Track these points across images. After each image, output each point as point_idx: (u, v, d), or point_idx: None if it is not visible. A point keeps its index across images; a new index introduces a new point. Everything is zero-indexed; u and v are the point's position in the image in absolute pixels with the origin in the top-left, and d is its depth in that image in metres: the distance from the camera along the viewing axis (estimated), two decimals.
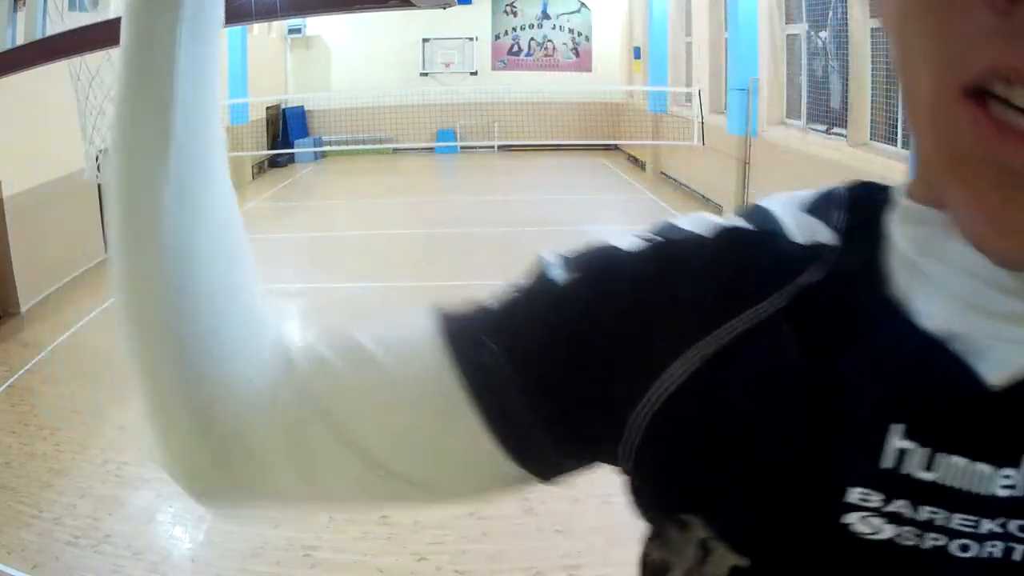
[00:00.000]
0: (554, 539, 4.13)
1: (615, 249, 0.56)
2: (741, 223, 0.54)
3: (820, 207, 0.54)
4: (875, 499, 0.45)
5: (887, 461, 0.45)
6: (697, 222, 0.55)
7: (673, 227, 0.56)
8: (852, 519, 0.45)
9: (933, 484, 0.44)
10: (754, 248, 0.52)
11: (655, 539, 0.55)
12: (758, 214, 0.55)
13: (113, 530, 4.21)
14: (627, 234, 0.57)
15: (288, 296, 9.03)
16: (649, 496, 0.54)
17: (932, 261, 0.48)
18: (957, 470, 0.44)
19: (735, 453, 0.49)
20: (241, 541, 4.13)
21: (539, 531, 4.20)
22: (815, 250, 0.51)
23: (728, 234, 0.53)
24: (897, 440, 0.45)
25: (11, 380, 6.29)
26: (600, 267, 0.56)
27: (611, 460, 0.56)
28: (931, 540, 0.44)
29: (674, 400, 0.50)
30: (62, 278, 9.00)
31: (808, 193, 0.56)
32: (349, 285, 9.19)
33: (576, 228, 12.11)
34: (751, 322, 0.49)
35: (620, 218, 13.14)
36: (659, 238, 0.55)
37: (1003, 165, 0.41)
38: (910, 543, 0.44)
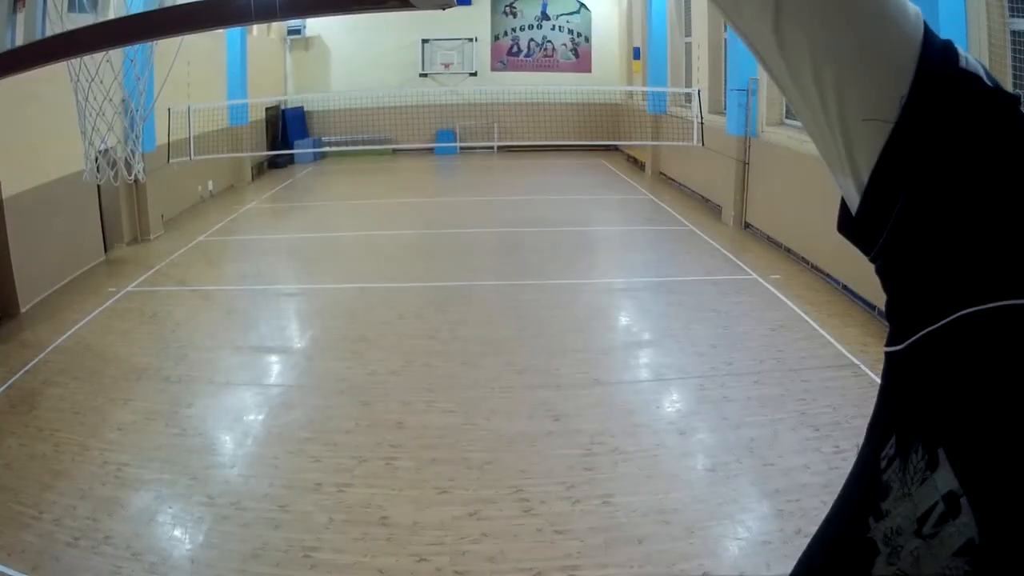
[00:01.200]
0: (553, 540, 4.12)
1: None
2: None
3: None
4: None
5: None
6: None
7: None
8: None
9: None
10: None
11: (895, 456, 0.54)
12: None
13: (113, 531, 4.21)
14: None
15: (288, 296, 9.03)
16: (918, 398, 0.53)
17: None
18: None
19: (1015, 419, 0.47)
20: (241, 542, 4.13)
21: (538, 532, 4.19)
22: None
23: None
24: None
25: (11, 381, 6.28)
26: None
27: (896, 297, 0.56)
28: None
29: (995, 319, 0.49)
30: (62, 279, 9.00)
31: None
32: (348, 286, 9.18)
33: (575, 228, 12.13)
34: None
35: (619, 218, 13.15)
36: None
37: None
38: None
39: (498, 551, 4.03)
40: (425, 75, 20.64)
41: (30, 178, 8.43)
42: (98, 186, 9.19)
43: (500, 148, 19.78)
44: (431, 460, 4.97)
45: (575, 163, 18.47)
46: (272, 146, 18.55)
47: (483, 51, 20.73)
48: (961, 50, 0.54)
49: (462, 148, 20.08)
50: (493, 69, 20.67)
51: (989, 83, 0.53)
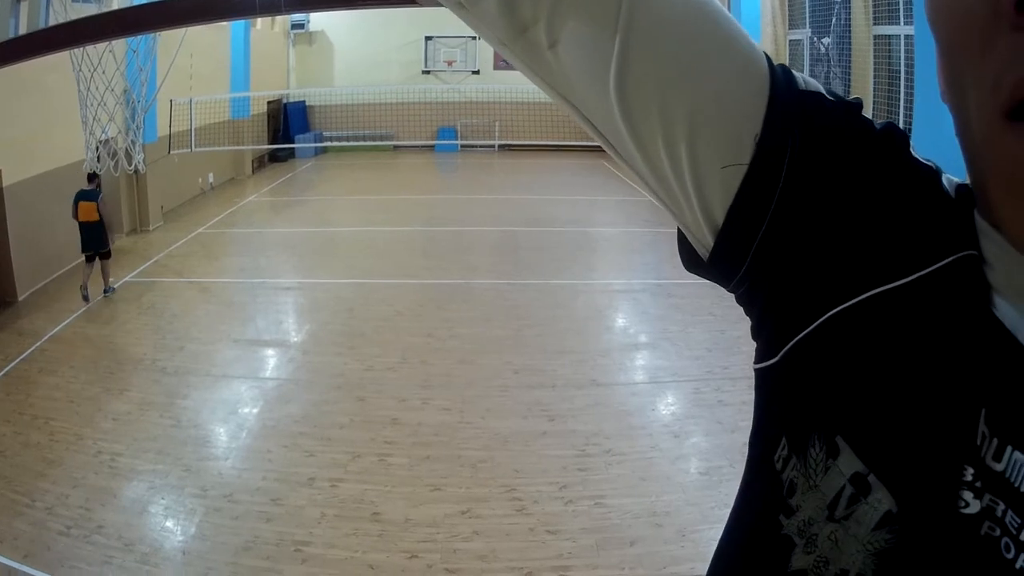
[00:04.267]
0: (545, 539, 4.13)
1: (917, 159, 0.55)
2: (948, 185, 0.55)
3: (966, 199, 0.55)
4: (969, 473, 0.47)
5: (978, 439, 0.47)
6: (946, 178, 0.55)
7: (938, 171, 0.55)
8: (964, 488, 0.47)
9: (999, 475, 0.46)
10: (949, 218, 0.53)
11: (789, 455, 0.55)
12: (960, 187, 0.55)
13: (105, 521, 4.21)
14: (922, 155, 0.56)
15: (286, 291, 9.03)
16: (803, 399, 0.54)
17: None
18: (1019, 466, 0.45)
19: (902, 391, 0.49)
20: (232, 535, 4.13)
21: (530, 531, 4.20)
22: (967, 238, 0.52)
23: (960, 195, 0.54)
24: (982, 423, 0.47)
25: (6, 369, 6.29)
26: (912, 167, 0.54)
27: (763, 318, 0.56)
28: (987, 528, 0.46)
29: (862, 311, 0.50)
30: (60, 268, 8.99)
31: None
32: (347, 281, 9.19)
33: (575, 229, 12.13)
34: (933, 271, 0.50)
35: (619, 219, 13.15)
36: (933, 171, 0.54)
37: None
38: (982, 529, 0.46)
39: (489, 550, 4.03)
40: (428, 72, 20.64)
41: (31, 167, 8.43)
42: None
43: (501, 147, 19.78)
44: (425, 457, 4.98)
45: (576, 163, 18.47)
46: (273, 140, 18.54)
47: (486, 49, 20.69)
48: (794, 71, 0.54)
49: (463, 146, 20.08)
50: (496, 67, 20.63)
51: (831, 97, 0.53)
